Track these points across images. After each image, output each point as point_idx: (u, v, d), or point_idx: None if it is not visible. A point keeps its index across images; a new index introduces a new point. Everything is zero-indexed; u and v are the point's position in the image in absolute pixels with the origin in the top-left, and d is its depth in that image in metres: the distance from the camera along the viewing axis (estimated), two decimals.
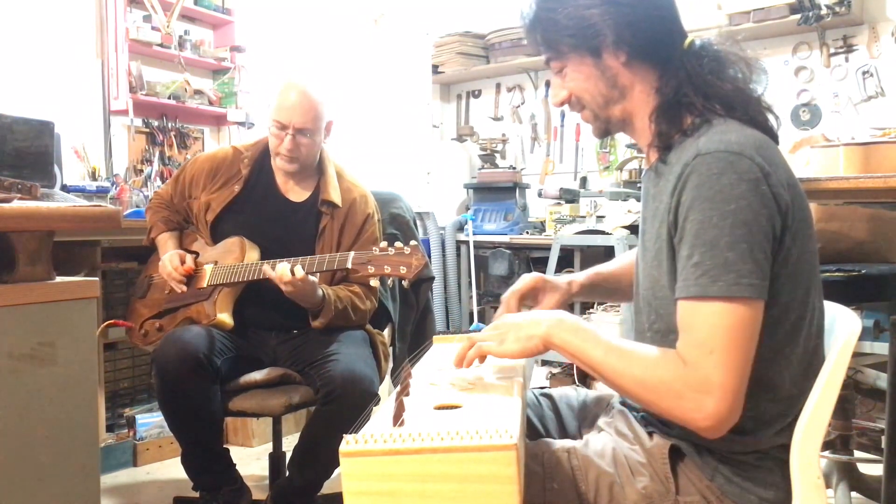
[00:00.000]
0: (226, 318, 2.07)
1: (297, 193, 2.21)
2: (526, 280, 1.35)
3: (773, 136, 1.09)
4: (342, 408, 1.86)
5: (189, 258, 2.14)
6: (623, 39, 1.10)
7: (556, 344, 1.07)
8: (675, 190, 1.01)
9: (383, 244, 1.85)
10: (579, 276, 1.41)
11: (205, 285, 2.09)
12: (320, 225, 2.16)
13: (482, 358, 1.14)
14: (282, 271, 1.91)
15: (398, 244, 1.84)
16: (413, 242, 1.84)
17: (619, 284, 1.40)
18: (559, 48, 1.14)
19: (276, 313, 2.13)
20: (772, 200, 0.98)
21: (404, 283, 1.85)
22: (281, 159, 2.13)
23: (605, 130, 1.21)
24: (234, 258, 2.08)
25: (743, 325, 0.95)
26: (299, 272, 1.90)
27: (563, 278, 1.40)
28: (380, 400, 1.99)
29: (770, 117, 1.11)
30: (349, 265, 1.87)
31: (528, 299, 1.35)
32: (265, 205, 2.18)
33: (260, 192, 2.20)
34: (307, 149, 2.12)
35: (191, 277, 2.13)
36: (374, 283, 1.99)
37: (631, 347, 1.03)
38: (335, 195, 2.17)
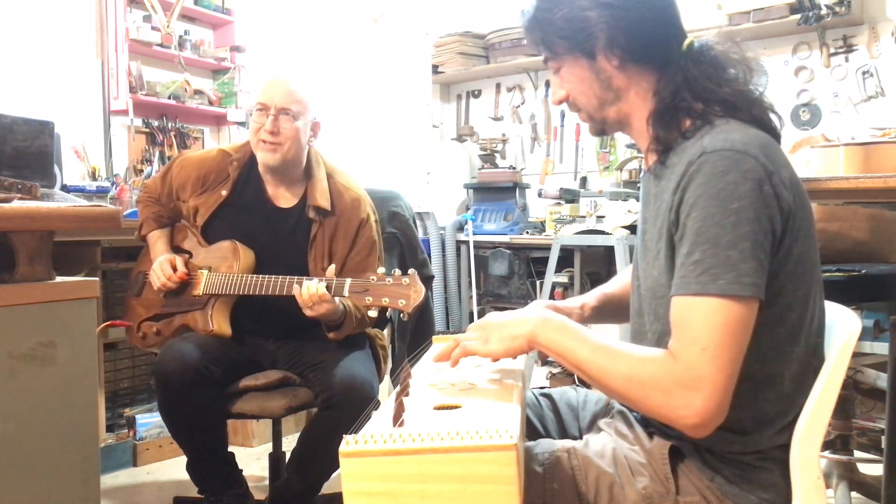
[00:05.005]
0: (224, 327, 2.04)
1: (285, 200, 2.12)
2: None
3: (776, 136, 1.10)
4: (341, 413, 1.85)
5: (180, 263, 2.09)
6: (616, 43, 1.10)
7: (542, 343, 1.07)
8: (678, 187, 1.01)
9: (381, 271, 1.77)
10: (589, 299, 1.40)
11: (200, 293, 2.06)
12: (311, 233, 2.07)
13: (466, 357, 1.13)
14: (300, 292, 1.83)
15: (396, 272, 1.76)
16: (411, 271, 1.77)
17: (622, 304, 1.36)
18: (555, 49, 1.15)
19: (272, 322, 2.10)
20: (774, 200, 0.98)
21: (402, 317, 1.77)
22: (262, 148, 2.00)
23: (601, 130, 1.21)
24: (227, 265, 2.04)
25: (738, 324, 0.95)
26: (321, 289, 1.81)
27: (575, 301, 1.38)
28: (379, 403, 1.98)
29: (773, 117, 1.11)
30: (346, 293, 1.80)
31: None
32: (253, 211, 2.11)
33: (248, 197, 2.12)
34: (290, 135, 2.00)
35: (185, 283, 2.09)
36: (373, 314, 1.85)
37: (618, 346, 1.03)
38: (323, 200, 2.07)
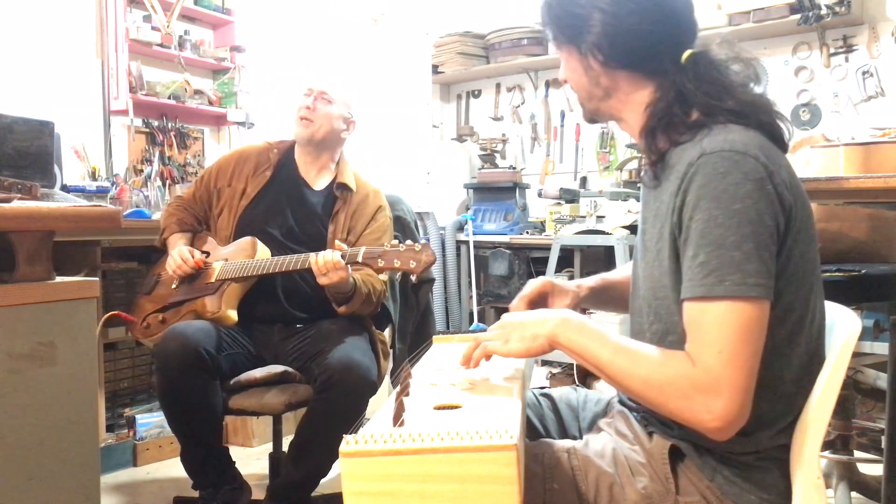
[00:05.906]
0: (230, 313, 2.09)
1: (317, 183, 2.33)
2: (535, 284, 1.34)
3: (781, 143, 1.09)
4: (339, 395, 1.86)
5: (198, 252, 2.18)
6: (598, 47, 1.11)
7: (562, 343, 1.06)
8: (679, 190, 1.01)
9: (394, 241, 1.92)
10: (588, 281, 1.40)
11: (213, 280, 2.11)
12: (334, 209, 2.26)
13: (488, 357, 1.14)
14: (316, 259, 1.94)
15: (409, 242, 1.91)
16: (423, 240, 1.93)
17: (624, 294, 1.36)
18: (555, 35, 1.18)
19: (281, 305, 2.17)
20: (776, 199, 0.98)
21: (412, 278, 1.89)
22: (299, 124, 2.27)
23: (591, 119, 1.25)
24: (245, 256, 2.11)
25: (750, 325, 0.94)
26: (336, 256, 1.93)
27: (572, 282, 1.39)
28: (377, 388, 2.01)
29: (782, 125, 1.09)
30: (360, 259, 1.92)
31: (538, 304, 1.33)
32: (289, 191, 2.29)
33: (285, 178, 2.32)
34: (323, 114, 2.26)
35: (199, 273, 2.15)
36: (383, 277, 2.07)
37: (638, 348, 1.03)
38: (349, 180, 2.30)
